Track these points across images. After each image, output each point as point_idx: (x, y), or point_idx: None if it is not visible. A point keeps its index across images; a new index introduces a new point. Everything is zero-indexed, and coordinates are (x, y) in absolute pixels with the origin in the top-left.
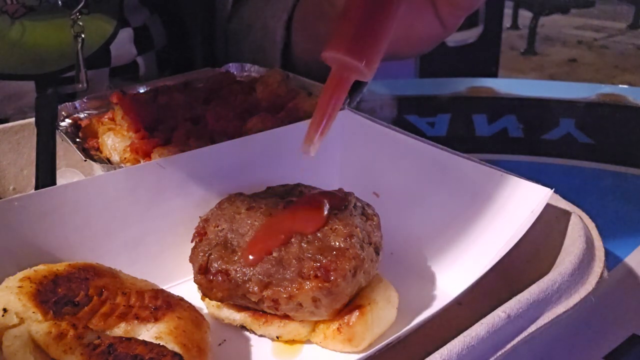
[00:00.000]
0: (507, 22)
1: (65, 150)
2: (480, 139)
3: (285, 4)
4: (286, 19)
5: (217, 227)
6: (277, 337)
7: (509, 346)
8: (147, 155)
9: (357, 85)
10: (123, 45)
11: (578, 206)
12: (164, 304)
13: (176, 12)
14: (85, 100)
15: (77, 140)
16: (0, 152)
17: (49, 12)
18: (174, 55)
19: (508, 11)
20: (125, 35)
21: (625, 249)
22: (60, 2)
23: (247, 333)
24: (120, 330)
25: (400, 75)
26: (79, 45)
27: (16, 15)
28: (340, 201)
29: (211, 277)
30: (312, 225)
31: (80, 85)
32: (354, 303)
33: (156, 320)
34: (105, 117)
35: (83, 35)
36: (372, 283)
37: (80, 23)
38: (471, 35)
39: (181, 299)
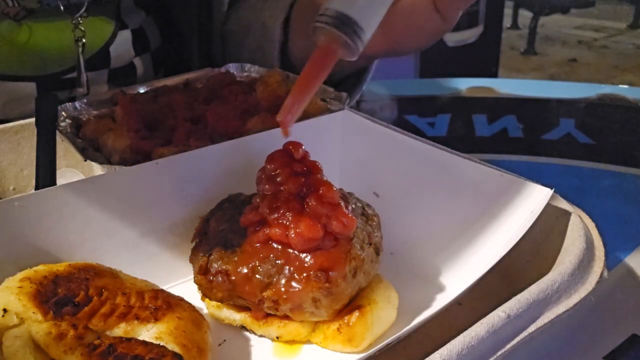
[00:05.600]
0: (507, 22)
1: (65, 150)
2: (480, 139)
3: (283, 3)
4: (283, 19)
5: (218, 227)
6: (277, 338)
7: (509, 346)
8: (147, 155)
9: (356, 83)
10: (122, 47)
11: (578, 206)
12: (164, 304)
13: (171, 14)
14: (85, 100)
15: (77, 140)
16: (0, 152)
17: (49, 14)
18: (169, 56)
19: (508, 11)
20: (124, 37)
21: (625, 249)
22: (62, 7)
23: (247, 333)
24: (120, 330)
25: (400, 75)
26: (80, 49)
27: (17, 18)
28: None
29: (211, 278)
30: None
31: (82, 90)
32: (354, 303)
33: (156, 320)
34: (106, 117)
35: (84, 40)
36: (372, 283)
37: (82, 28)
38: (471, 35)
39: (181, 299)
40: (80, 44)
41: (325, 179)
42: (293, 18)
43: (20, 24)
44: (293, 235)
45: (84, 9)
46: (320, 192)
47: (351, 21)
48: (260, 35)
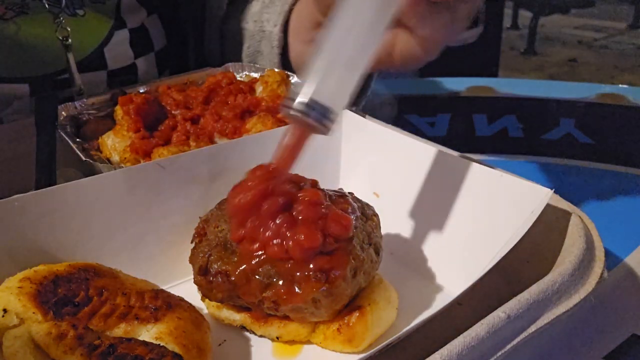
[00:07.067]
0: (507, 22)
1: (65, 150)
2: (480, 139)
3: (281, 7)
4: (282, 23)
5: (217, 227)
6: (277, 338)
7: (509, 346)
8: (147, 155)
9: (363, 89)
10: (119, 48)
11: (578, 206)
12: (164, 304)
13: (173, 13)
14: (85, 100)
15: (77, 140)
16: None
17: (40, 13)
18: (172, 56)
19: (508, 11)
20: (121, 37)
21: (625, 249)
22: (47, 5)
23: (247, 333)
24: (120, 330)
25: (400, 75)
26: (66, 49)
27: (5, 17)
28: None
29: (211, 278)
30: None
31: (75, 89)
32: (354, 304)
33: (156, 320)
34: (106, 117)
35: (70, 40)
36: (372, 283)
37: (68, 28)
38: (471, 35)
39: (181, 300)
40: (65, 43)
41: (307, 186)
42: (292, 24)
43: (9, 23)
44: (292, 245)
45: (63, 4)
46: (307, 198)
47: (321, 106)
48: (259, 39)
